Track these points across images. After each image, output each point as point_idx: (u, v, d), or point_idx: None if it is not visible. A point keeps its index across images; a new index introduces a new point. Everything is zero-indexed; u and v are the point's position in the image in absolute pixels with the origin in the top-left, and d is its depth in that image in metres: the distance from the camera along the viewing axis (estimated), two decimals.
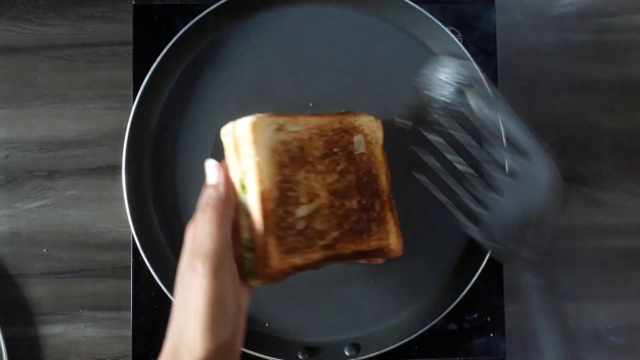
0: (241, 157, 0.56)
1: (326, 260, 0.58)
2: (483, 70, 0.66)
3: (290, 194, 0.57)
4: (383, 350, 0.65)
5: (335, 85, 0.69)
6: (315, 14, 0.70)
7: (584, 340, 0.74)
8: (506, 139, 0.49)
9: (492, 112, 0.49)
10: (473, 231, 0.51)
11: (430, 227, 0.68)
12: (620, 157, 0.76)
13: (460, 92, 0.49)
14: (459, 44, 0.66)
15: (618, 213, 0.75)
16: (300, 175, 0.58)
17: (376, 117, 0.65)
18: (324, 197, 0.59)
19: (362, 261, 0.65)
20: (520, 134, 0.48)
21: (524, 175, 0.47)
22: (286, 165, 0.57)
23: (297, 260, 0.56)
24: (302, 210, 0.57)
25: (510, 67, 0.75)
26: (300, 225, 0.57)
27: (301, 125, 0.61)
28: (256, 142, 0.56)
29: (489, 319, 0.70)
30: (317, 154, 0.60)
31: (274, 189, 0.56)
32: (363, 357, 0.65)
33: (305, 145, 0.59)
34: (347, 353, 0.65)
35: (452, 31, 0.69)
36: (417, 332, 0.65)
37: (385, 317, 0.68)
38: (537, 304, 0.45)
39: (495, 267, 0.70)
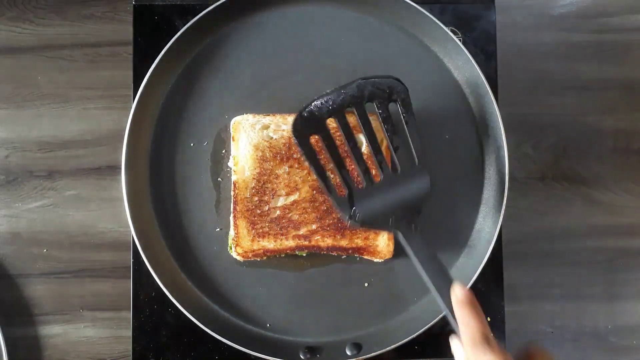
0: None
1: (300, 248, 0.65)
2: (483, 70, 0.66)
3: (268, 185, 0.64)
4: (384, 350, 0.65)
5: (334, 84, 0.68)
6: (314, 13, 0.70)
7: (584, 340, 0.74)
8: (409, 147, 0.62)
9: (407, 127, 0.61)
10: (338, 200, 0.61)
11: (430, 226, 0.68)
12: (620, 157, 0.76)
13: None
14: (458, 42, 0.66)
15: (618, 213, 0.75)
16: (282, 169, 0.65)
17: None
18: (305, 192, 0.65)
19: (365, 257, 0.66)
20: (419, 148, 0.61)
21: (406, 173, 0.61)
22: (267, 160, 0.65)
23: (269, 244, 0.64)
24: (278, 201, 0.65)
25: (510, 67, 0.75)
26: (275, 214, 0.65)
27: (290, 124, 0.62)
28: (235, 138, 0.66)
29: (489, 319, 0.70)
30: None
31: (251, 180, 0.64)
32: (364, 357, 0.65)
33: (292, 142, 0.65)
34: (348, 353, 0.65)
35: (452, 31, 0.69)
36: (418, 331, 0.65)
37: (386, 316, 0.68)
38: (419, 252, 0.58)
39: (495, 267, 0.70)
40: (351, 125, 0.61)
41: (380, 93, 0.61)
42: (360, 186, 0.61)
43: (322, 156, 0.62)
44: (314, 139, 0.60)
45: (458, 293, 0.51)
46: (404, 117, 0.61)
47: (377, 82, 0.61)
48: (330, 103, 0.60)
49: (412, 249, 0.58)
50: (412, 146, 0.61)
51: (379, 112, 0.61)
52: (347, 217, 0.60)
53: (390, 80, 0.61)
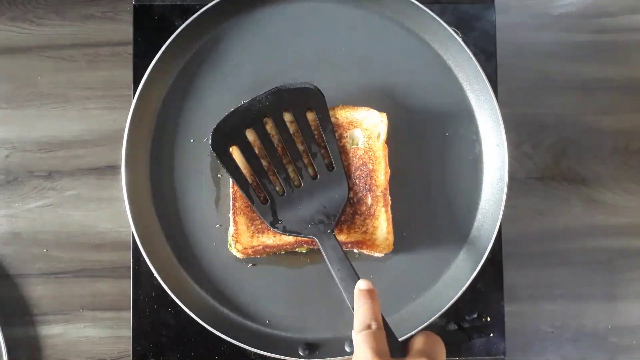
0: None
1: (299, 244, 0.65)
2: (483, 70, 0.66)
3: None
4: None
5: (333, 81, 0.69)
6: (314, 10, 0.70)
7: (584, 340, 0.74)
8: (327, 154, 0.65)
9: (325, 134, 0.64)
10: (261, 209, 0.63)
11: (430, 223, 0.68)
12: (620, 157, 0.76)
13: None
14: (459, 40, 0.66)
15: (618, 213, 0.75)
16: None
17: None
18: None
19: (365, 251, 0.66)
20: (336, 154, 0.64)
21: (324, 179, 0.64)
22: (265, 156, 0.64)
23: (268, 240, 0.66)
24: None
25: (510, 67, 0.75)
26: None
27: (287, 120, 0.65)
28: None
29: (489, 319, 0.70)
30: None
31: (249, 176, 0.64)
32: None
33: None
34: (347, 349, 0.65)
35: (452, 31, 0.69)
36: (418, 328, 0.64)
37: (386, 313, 0.66)
38: (331, 256, 0.59)
39: (495, 267, 0.70)
40: (271, 133, 0.64)
41: (297, 101, 0.63)
42: (281, 194, 0.63)
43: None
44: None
45: (358, 286, 0.54)
46: (321, 123, 0.64)
47: (292, 90, 0.63)
48: (248, 114, 0.63)
49: (325, 252, 0.60)
50: (330, 152, 0.64)
51: (296, 120, 0.63)
52: (269, 224, 0.63)
53: (306, 88, 0.63)
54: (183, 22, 0.67)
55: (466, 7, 0.72)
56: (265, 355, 0.65)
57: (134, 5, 0.71)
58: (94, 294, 0.71)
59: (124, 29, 0.73)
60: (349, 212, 0.65)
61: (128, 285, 0.69)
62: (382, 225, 0.65)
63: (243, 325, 0.67)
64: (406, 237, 0.68)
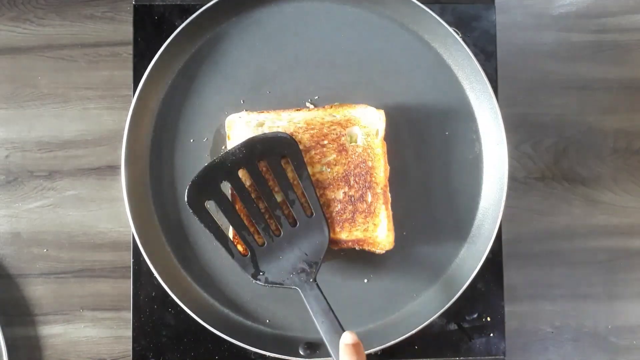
0: None
1: None
2: (483, 70, 0.66)
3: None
4: (383, 346, 0.65)
5: (334, 80, 0.69)
6: (314, 9, 0.70)
7: (584, 340, 0.74)
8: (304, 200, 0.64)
9: (300, 180, 0.63)
10: (242, 261, 0.62)
11: (430, 223, 0.68)
12: (620, 157, 0.76)
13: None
14: (459, 39, 0.66)
15: (618, 213, 0.75)
16: None
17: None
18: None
19: (366, 248, 0.66)
20: (314, 200, 0.63)
21: (304, 227, 0.63)
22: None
23: None
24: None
25: (510, 67, 0.75)
26: None
27: (285, 121, 0.65)
28: (230, 137, 0.66)
29: (489, 319, 0.70)
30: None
31: (248, 177, 0.63)
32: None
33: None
34: None
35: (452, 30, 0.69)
36: (417, 327, 0.65)
37: (386, 312, 0.68)
38: (314, 307, 0.60)
39: (495, 267, 0.70)
40: (247, 184, 0.63)
41: (270, 150, 0.63)
42: (261, 244, 0.62)
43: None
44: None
45: (344, 339, 0.54)
46: (296, 170, 0.63)
47: (265, 139, 0.62)
48: (222, 167, 0.62)
49: (309, 303, 0.60)
50: (308, 199, 0.63)
51: (271, 168, 0.62)
52: (251, 277, 0.62)
53: (279, 136, 0.63)
54: (183, 22, 0.67)
55: (466, 7, 0.72)
56: (265, 355, 0.66)
57: (134, 5, 0.71)
58: (94, 294, 0.71)
59: (124, 29, 0.73)
60: (349, 210, 0.65)
61: (128, 285, 0.69)
62: (382, 222, 0.65)
63: (243, 325, 0.67)
64: (406, 235, 0.68)
